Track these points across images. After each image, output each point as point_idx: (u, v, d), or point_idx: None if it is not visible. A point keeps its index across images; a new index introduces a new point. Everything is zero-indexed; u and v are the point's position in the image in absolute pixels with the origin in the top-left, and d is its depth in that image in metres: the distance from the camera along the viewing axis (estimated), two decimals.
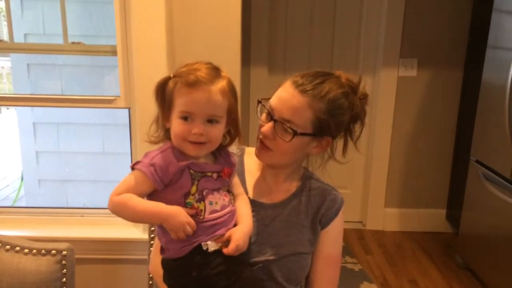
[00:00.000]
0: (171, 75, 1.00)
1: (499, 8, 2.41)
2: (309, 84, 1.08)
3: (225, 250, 0.99)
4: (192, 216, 0.98)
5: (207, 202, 1.00)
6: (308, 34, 3.17)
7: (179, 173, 0.98)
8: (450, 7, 2.98)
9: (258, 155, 1.15)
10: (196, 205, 0.99)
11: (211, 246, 0.99)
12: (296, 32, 3.16)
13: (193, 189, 0.99)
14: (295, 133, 1.07)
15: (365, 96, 1.15)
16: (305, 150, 1.14)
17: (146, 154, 1.01)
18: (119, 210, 0.98)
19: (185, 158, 1.00)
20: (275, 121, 1.09)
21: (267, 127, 1.10)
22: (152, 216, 1.00)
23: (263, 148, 1.13)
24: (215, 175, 1.03)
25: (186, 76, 0.98)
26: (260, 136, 1.12)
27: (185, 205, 0.99)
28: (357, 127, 1.17)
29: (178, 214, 0.96)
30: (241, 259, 1.04)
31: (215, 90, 0.98)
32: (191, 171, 0.99)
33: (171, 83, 1.00)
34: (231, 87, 1.02)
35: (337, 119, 1.11)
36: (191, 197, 0.99)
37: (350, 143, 1.18)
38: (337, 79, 1.12)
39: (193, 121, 0.98)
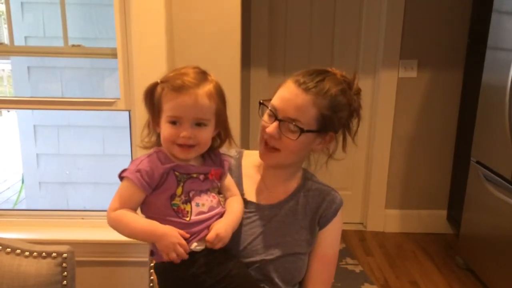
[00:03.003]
0: (159, 81, 1.02)
1: (499, 9, 2.41)
2: (311, 82, 1.10)
3: (207, 237, 1.00)
4: (178, 218, 0.99)
5: (193, 203, 1.01)
6: (308, 35, 3.16)
7: (164, 176, 1.00)
8: (450, 8, 2.98)
9: (263, 157, 1.16)
10: (182, 206, 1.00)
11: (197, 245, 1.00)
12: (295, 34, 3.16)
13: (179, 190, 1.00)
14: (301, 131, 1.08)
15: (358, 92, 1.18)
16: (310, 147, 1.16)
17: (132, 161, 1.03)
18: (116, 226, 1.01)
19: (171, 161, 1.01)
20: (279, 120, 1.10)
21: (272, 127, 1.10)
22: (144, 234, 1.01)
23: (268, 150, 1.13)
24: (201, 177, 1.04)
25: (173, 81, 0.99)
26: (265, 137, 1.12)
27: (170, 207, 1.00)
28: (354, 122, 1.18)
29: (169, 235, 0.97)
30: (225, 257, 1.04)
31: (201, 93, 0.99)
32: (176, 173, 1.01)
33: (158, 89, 1.02)
34: (218, 90, 1.04)
35: (339, 114, 1.12)
36: (177, 198, 1.00)
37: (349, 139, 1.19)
38: (334, 76, 1.14)
39: (181, 125, 1.00)
